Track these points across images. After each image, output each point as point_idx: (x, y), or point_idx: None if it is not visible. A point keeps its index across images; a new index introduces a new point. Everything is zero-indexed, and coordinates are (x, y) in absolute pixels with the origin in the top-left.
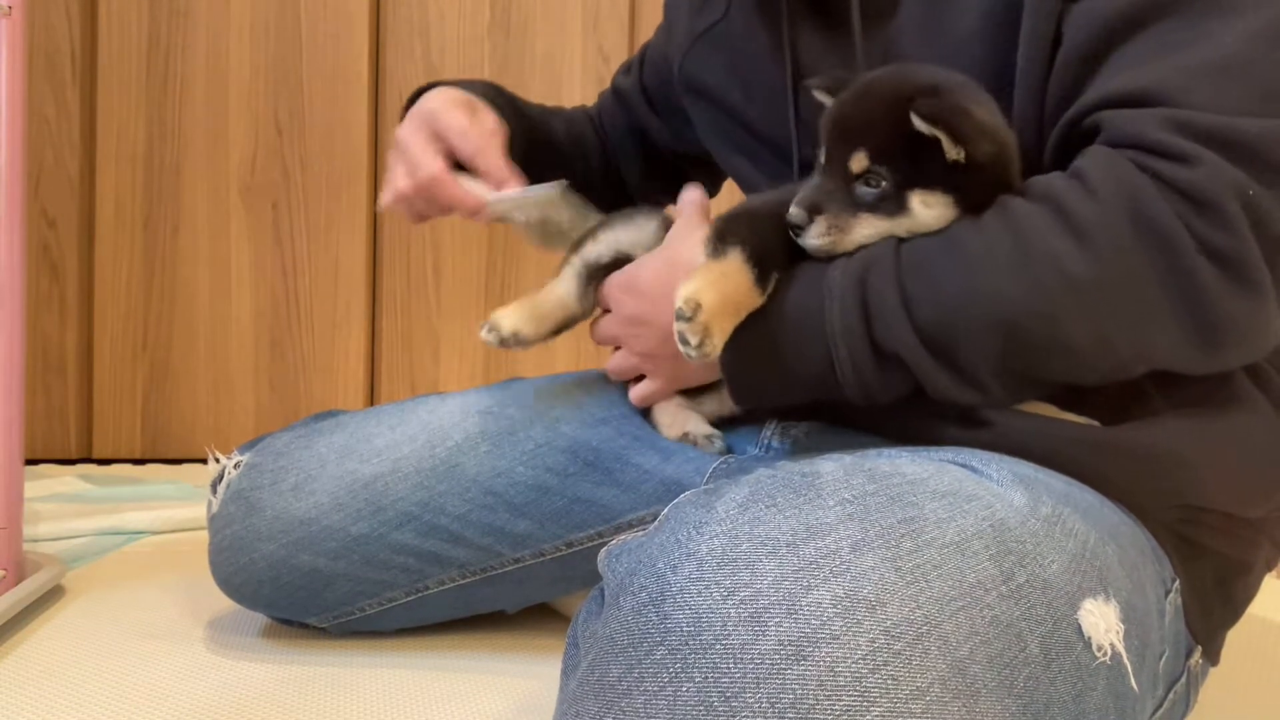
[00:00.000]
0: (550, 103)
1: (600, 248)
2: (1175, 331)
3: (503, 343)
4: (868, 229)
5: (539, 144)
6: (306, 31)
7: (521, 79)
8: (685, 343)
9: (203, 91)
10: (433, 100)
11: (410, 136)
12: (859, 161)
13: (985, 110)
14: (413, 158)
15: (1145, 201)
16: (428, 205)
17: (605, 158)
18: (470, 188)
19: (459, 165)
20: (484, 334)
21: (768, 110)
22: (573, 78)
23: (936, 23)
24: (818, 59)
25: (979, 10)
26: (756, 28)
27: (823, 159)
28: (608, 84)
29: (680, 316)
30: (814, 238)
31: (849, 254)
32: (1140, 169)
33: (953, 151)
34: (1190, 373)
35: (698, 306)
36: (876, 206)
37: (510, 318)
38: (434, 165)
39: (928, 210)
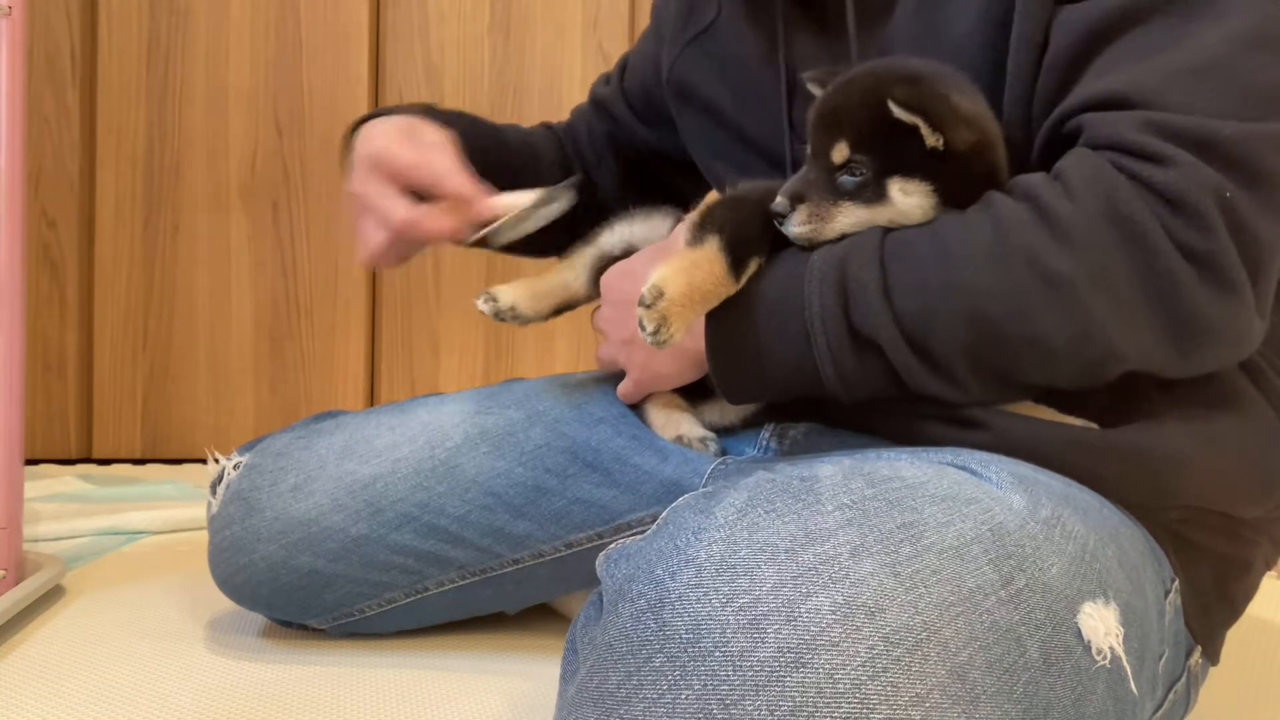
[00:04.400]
0: (551, 103)
1: (614, 238)
2: (1151, 331)
3: (498, 315)
4: (849, 218)
5: (488, 143)
6: (306, 31)
7: (521, 79)
8: (643, 329)
9: (203, 91)
10: (374, 140)
11: (365, 187)
12: (840, 151)
13: (967, 99)
14: (377, 209)
15: (1122, 201)
16: (408, 247)
17: (565, 164)
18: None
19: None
20: (480, 304)
21: (760, 116)
22: (573, 78)
23: (932, 25)
24: (812, 64)
25: (975, 13)
26: (749, 32)
27: (809, 151)
28: None
29: (641, 303)
30: (796, 225)
31: (832, 242)
32: (1118, 169)
33: (931, 138)
34: (1166, 375)
35: (660, 294)
36: (857, 195)
37: (510, 292)
38: (401, 208)
39: (907, 199)
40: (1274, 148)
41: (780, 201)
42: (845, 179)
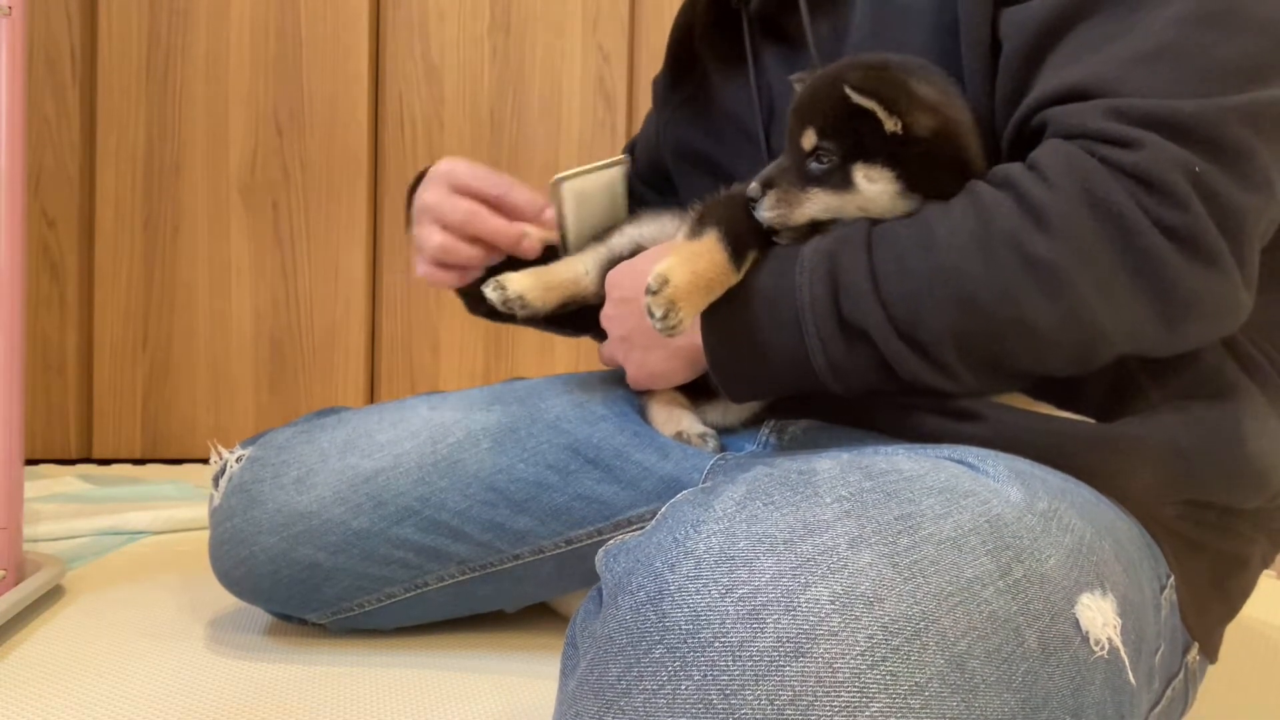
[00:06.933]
0: (551, 103)
1: (623, 239)
2: (1137, 310)
3: (505, 303)
4: (816, 204)
5: None
6: (306, 31)
7: (521, 79)
8: (651, 315)
9: (203, 91)
10: (444, 163)
11: (432, 196)
12: (809, 139)
13: (931, 87)
14: (439, 211)
15: (1097, 184)
16: (468, 250)
17: None
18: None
19: None
20: (489, 291)
21: (751, 160)
22: (573, 78)
23: (888, 38)
24: (786, 92)
25: (926, 27)
26: (729, 83)
27: (786, 142)
28: (607, 84)
29: (648, 290)
30: (765, 210)
31: (813, 230)
32: (1089, 155)
33: (889, 122)
34: (1155, 353)
35: (665, 281)
36: (824, 181)
37: (520, 280)
38: (465, 204)
39: (870, 184)
40: (1235, 119)
41: (753, 187)
42: (814, 166)
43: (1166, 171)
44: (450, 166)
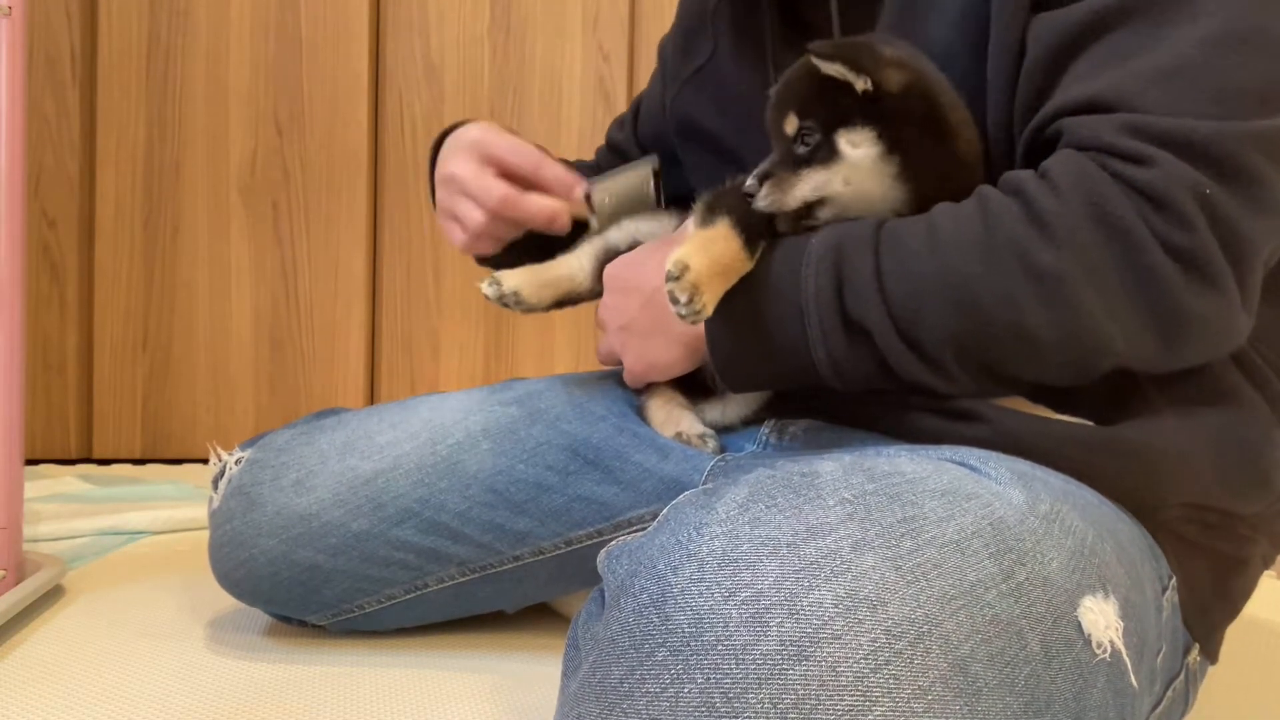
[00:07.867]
0: (551, 103)
1: (620, 234)
2: (1136, 326)
3: (501, 299)
4: (807, 183)
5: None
6: (306, 31)
7: (521, 79)
8: (675, 301)
9: (203, 91)
10: (472, 131)
11: (463, 169)
12: (791, 124)
13: (896, 50)
14: (474, 189)
15: (1106, 199)
16: (506, 229)
17: None
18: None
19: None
20: (485, 287)
21: (759, 145)
22: (573, 78)
23: (913, 36)
24: None
25: (953, 23)
26: (743, 63)
27: (772, 138)
28: (607, 84)
29: (669, 277)
30: (761, 199)
31: (809, 214)
32: (1101, 169)
33: (858, 82)
34: (1151, 369)
35: (685, 267)
36: (812, 159)
37: (515, 277)
38: (499, 187)
39: (855, 150)
40: (1250, 144)
41: (750, 183)
42: (800, 148)
43: (1176, 191)
44: (481, 136)
